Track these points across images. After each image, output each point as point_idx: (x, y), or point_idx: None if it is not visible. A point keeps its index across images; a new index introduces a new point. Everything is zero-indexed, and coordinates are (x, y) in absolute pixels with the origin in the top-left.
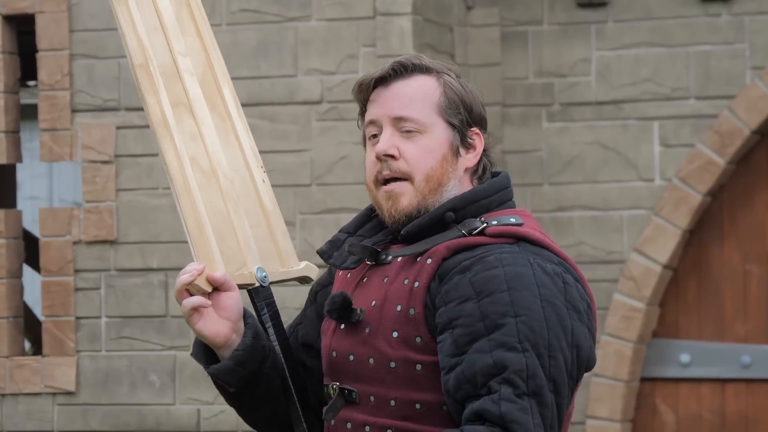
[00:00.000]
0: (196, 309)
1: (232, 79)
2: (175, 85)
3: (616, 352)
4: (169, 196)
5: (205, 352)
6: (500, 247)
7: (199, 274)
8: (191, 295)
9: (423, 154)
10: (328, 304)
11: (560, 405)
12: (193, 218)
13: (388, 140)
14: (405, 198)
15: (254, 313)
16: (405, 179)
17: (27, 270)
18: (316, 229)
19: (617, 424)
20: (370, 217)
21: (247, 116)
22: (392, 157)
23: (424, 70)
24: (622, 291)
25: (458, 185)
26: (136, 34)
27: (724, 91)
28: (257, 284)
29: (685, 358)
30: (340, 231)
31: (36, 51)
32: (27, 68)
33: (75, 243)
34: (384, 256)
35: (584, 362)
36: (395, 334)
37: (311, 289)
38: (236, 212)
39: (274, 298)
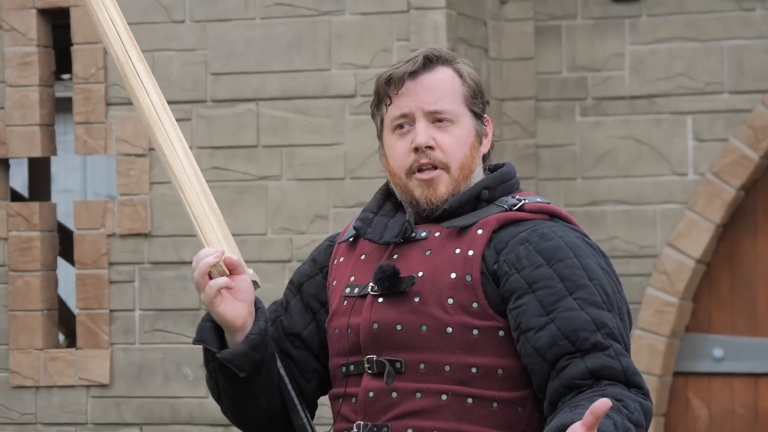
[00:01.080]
0: (220, 291)
1: (267, 72)
2: (140, 89)
3: (649, 347)
4: None
5: (213, 338)
6: (541, 222)
7: (222, 255)
8: (211, 278)
9: (457, 144)
10: (377, 273)
11: None
12: (197, 206)
13: (425, 132)
14: (442, 186)
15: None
16: (441, 168)
17: (61, 263)
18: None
19: None
20: (385, 199)
21: (281, 110)
22: (430, 148)
23: (444, 61)
24: (655, 285)
25: (479, 172)
26: (116, 32)
27: (758, 86)
28: None
29: (718, 352)
30: (364, 210)
31: (71, 44)
32: (62, 62)
33: (109, 236)
34: (415, 234)
35: (631, 328)
36: (450, 301)
37: (292, 282)
38: (211, 212)
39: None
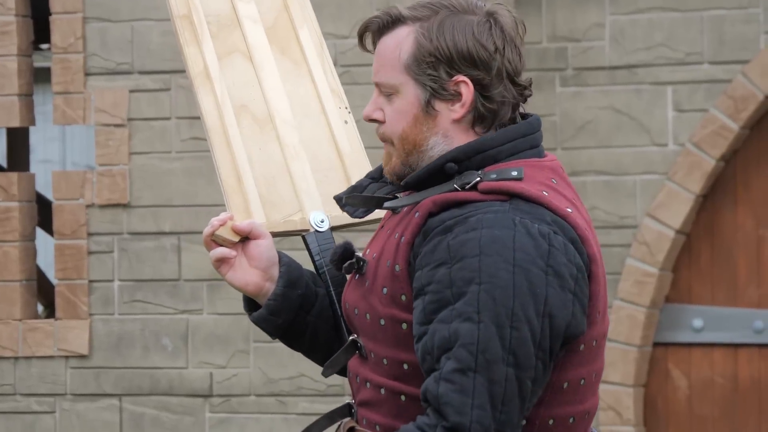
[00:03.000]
0: (222, 260)
1: None
2: (232, 33)
3: (629, 317)
4: (182, 160)
5: (250, 298)
6: (489, 205)
7: (221, 225)
8: (218, 245)
9: (396, 117)
10: (331, 251)
11: (521, 378)
12: (228, 169)
13: (373, 103)
14: (394, 158)
15: (309, 259)
16: (386, 141)
17: (40, 233)
18: None
19: (630, 389)
20: None
21: None
22: (377, 121)
23: (403, 20)
24: (634, 256)
25: (446, 140)
26: None
27: (737, 56)
28: (311, 230)
29: (697, 323)
30: (366, 176)
31: (49, 14)
32: (40, 31)
33: (88, 206)
34: (398, 207)
35: (560, 331)
36: (385, 291)
37: None
38: (295, 158)
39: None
